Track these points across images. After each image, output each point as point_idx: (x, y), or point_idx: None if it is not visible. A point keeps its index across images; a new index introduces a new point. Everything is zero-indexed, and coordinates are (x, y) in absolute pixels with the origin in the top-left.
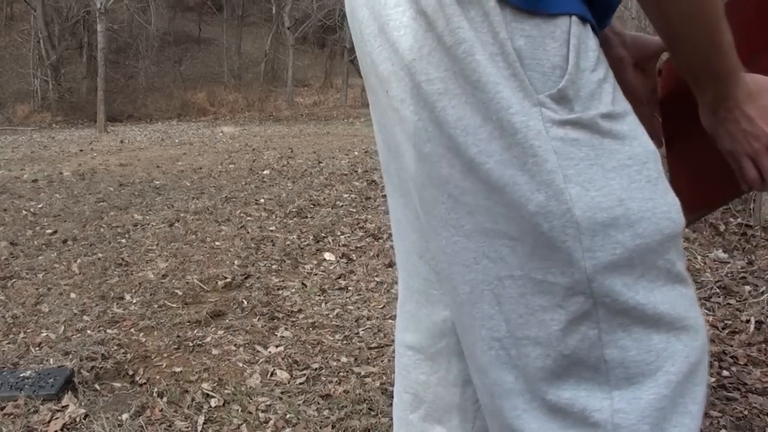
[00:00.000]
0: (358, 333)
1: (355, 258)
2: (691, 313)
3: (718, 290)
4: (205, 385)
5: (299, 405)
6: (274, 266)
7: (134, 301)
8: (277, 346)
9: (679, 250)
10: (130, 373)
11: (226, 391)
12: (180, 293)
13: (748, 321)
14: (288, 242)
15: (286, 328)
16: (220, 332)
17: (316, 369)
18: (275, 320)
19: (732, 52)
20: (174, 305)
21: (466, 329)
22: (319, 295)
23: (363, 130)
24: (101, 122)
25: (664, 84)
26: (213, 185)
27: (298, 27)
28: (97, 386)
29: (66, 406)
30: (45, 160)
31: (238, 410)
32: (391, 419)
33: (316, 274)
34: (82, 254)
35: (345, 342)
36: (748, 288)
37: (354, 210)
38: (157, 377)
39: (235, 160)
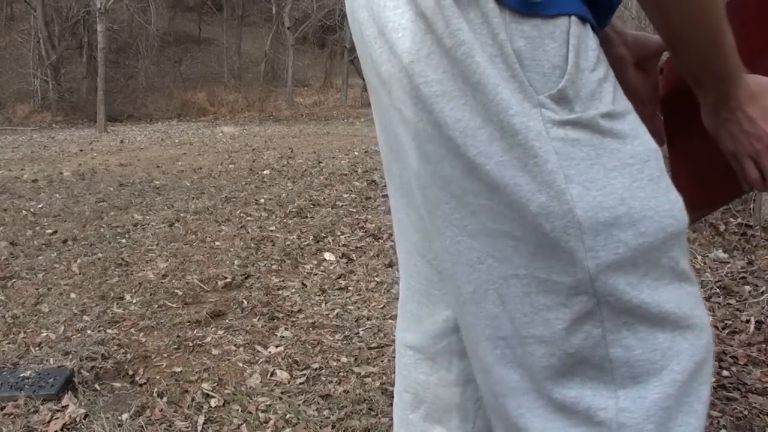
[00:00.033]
0: (358, 333)
1: (355, 258)
2: (696, 312)
3: (718, 290)
4: (205, 385)
5: (299, 405)
6: (274, 266)
7: (134, 301)
8: (277, 346)
9: (683, 248)
10: (130, 373)
11: (226, 391)
12: (180, 293)
13: (748, 321)
14: (288, 242)
15: (286, 328)
16: (220, 332)
17: (316, 369)
18: (275, 320)
19: (733, 54)
20: (174, 305)
21: (470, 329)
22: (319, 295)
23: (363, 130)
24: (101, 122)
25: (665, 82)
26: (213, 185)
27: (298, 27)
28: (97, 386)
29: (66, 406)
30: (45, 160)
31: (238, 410)
32: (391, 419)
33: (316, 274)
34: (82, 254)
35: (345, 342)
36: (748, 288)
37: (354, 210)
38: (157, 377)
39: (235, 160)
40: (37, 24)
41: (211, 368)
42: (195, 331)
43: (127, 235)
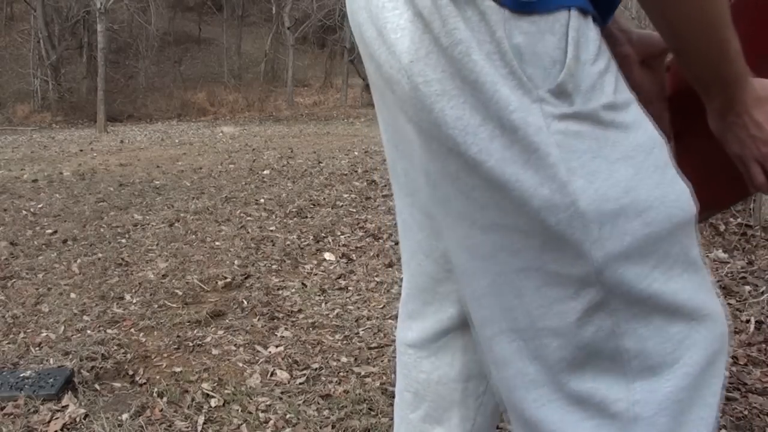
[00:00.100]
0: (358, 333)
1: (355, 258)
2: (709, 302)
3: (718, 290)
4: (205, 385)
5: (299, 405)
6: (274, 266)
7: (134, 301)
8: (277, 346)
9: (693, 237)
10: (130, 373)
11: (226, 391)
12: (180, 293)
13: (748, 321)
14: (288, 242)
15: (286, 328)
16: (220, 332)
17: (316, 369)
18: (275, 320)
19: (739, 58)
20: (174, 305)
21: (484, 323)
22: (319, 295)
23: (363, 130)
24: (101, 122)
25: (672, 80)
26: (213, 185)
27: (298, 27)
28: (97, 386)
29: (66, 406)
30: (45, 160)
31: (238, 410)
32: (392, 419)
33: (316, 274)
34: (82, 254)
35: (345, 342)
36: (748, 288)
37: (354, 210)
38: (157, 377)
39: (235, 160)
40: (37, 24)
41: (211, 368)
42: (195, 331)
43: (127, 235)
